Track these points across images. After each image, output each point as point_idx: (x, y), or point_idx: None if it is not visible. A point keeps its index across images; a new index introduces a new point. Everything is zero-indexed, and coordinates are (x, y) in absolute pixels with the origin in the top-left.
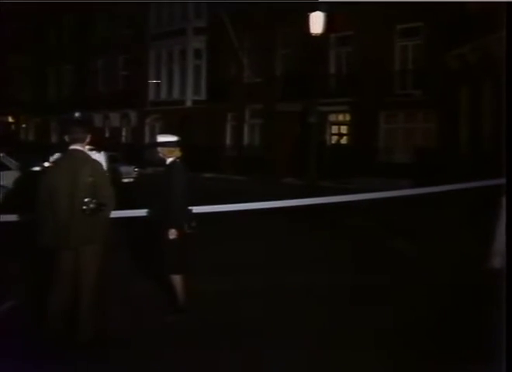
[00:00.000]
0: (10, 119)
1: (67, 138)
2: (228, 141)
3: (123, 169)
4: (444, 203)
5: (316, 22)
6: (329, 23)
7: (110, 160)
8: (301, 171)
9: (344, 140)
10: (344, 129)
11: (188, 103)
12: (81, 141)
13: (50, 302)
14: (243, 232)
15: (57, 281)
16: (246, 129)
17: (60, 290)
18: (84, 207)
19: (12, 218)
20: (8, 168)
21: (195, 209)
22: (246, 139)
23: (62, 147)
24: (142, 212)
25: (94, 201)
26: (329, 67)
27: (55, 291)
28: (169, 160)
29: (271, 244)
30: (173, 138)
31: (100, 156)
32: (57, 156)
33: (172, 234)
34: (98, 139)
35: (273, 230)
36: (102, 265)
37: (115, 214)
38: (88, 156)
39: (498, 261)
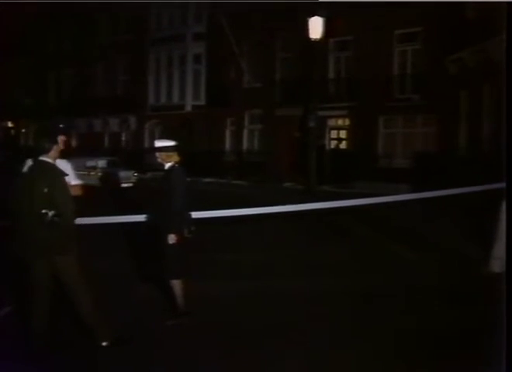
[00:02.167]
0: (10, 124)
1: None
2: (227, 146)
3: (123, 174)
4: (444, 208)
5: (315, 27)
6: (328, 28)
7: (110, 164)
8: (301, 176)
9: (343, 145)
10: (343, 134)
11: (188, 108)
12: (46, 152)
13: (31, 314)
14: (242, 237)
15: (34, 292)
16: (245, 133)
17: (39, 301)
18: (42, 219)
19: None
20: None
21: (195, 214)
22: (245, 144)
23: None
24: (141, 217)
25: (51, 212)
26: (328, 72)
27: (34, 303)
28: (168, 165)
29: (272, 250)
30: (171, 143)
31: (65, 165)
32: (27, 166)
33: (172, 239)
34: (67, 147)
35: (273, 235)
36: (82, 272)
37: (114, 219)
38: (50, 167)
39: (498, 265)
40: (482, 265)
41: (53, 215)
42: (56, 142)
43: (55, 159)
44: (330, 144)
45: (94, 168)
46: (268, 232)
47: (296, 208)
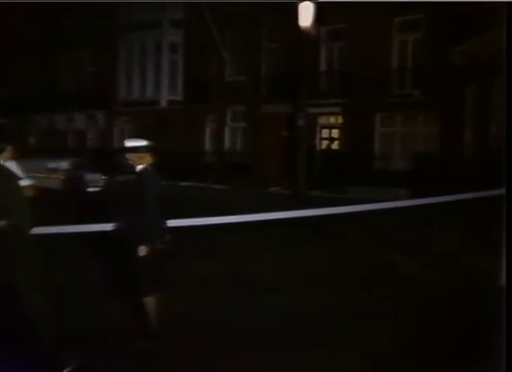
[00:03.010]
0: None
1: None
2: (207, 146)
3: (89, 177)
4: (447, 214)
5: (306, 14)
6: (319, 15)
7: (75, 166)
8: (289, 180)
9: (335, 145)
10: (335, 133)
11: (163, 103)
12: None
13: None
14: (224, 247)
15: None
16: (227, 132)
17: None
18: None
19: None
20: None
21: (170, 223)
22: (227, 144)
23: None
24: (109, 226)
25: (2, 222)
26: (319, 65)
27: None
28: (140, 168)
29: (256, 261)
30: (143, 142)
31: (12, 165)
32: None
33: (143, 251)
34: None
35: (257, 246)
36: (40, 287)
37: (78, 228)
38: (1, 170)
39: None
40: (492, 277)
41: (5, 225)
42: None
43: (7, 160)
44: (321, 144)
45: (56, 170)
46: (252, 243)
47: (284, 216)
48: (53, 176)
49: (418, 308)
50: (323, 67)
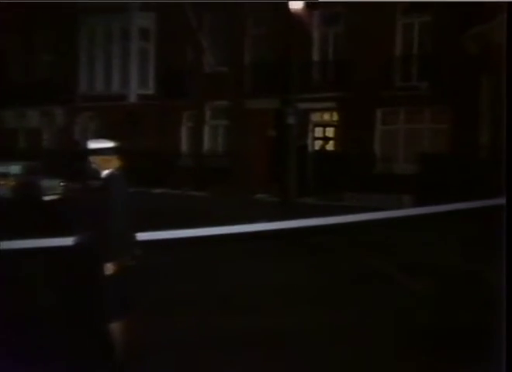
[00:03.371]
0: None
1: None
2: (184, 147)
3: (45, 183)
4: (458, 223)
5: None
6: None
7: (27, 171)
8: (277, 185)
9: (330, 146)
10: (330, 132)
11: (132, 98)
12: None
13: None
14: (202, 264)
15: None
16: (207, 131)
17: None
18: None
19: None
20: None
21: (141, 236)
22: (207, 145)
23: None
24: (69, 240)
25: None
26: (312, 53)
27: None
28: (105, 173)
29: (239, 280)
30: (109, 143)
31: None
32: None
33: (108, 269)
34: None
35: (240, 261)
36: None
37: (34, 243)
38: None
39: None
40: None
41: None
42: None
43: None
44: (313, 145)
45: (5, 176)
46: (235, 258)
47: (271, 227)
48: (2, 182)
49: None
50: (316, 55)
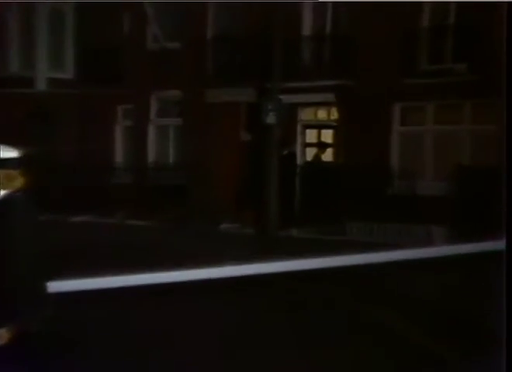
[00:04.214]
0: None
1: None
2: (119, 156)
3: None
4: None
5: None
6: None
7: None
8: (252, 211)
9: (328, 155)
10: (327, 136)
11: (41, 84)
12: None
13: None
14: (140, 323)
15: None
16: (152, 134)
17: None
18: None
19: None
20: None
21: (55, 287)
22: (152, 153)
23: None
24: None
25: None
26: (301, 25)
27: None
28: (3, 194)
29: (188, 347)
30: (10, 152)
31: None
32: None
33: (3, 337)
34: None
35: (194, 322)
36: None
37: None
38: None
39: None
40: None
41: None
42: None
43: None
44: (304, 154)
45: None
46: (186, 315)
47: (242, 271)
48: None
49: None
50: (307, 29)
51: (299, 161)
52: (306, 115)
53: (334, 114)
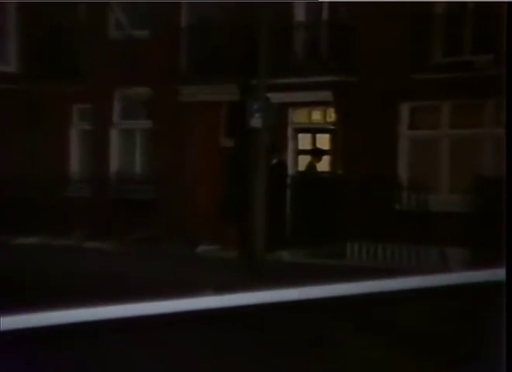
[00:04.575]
0: None
1: None
2: (75, 165)
3: None
4: None
5: None
6: None
7: None
8: (234, 231)
9: (324, 164)
10: (324, 141)
11: None
12: None
13: None
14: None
15: None
16: (116, 139)
17: None
18: None
19: None
20: None
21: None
22: (116, 162)
23: None
24: None
25: None
26: (292, 12)
27: None
28: None
29: None
30: None
31: None
32: None
33: None
34: None
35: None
36: None
37: None
38: None
39: None
40: None
41: None
42: None
43: None
44: (296, 163)
45: None
46: (148, 356)
47: (223, 302)
48: None
49: None
50: (299, 15)
51: (290, 171)
52: (298, 116)
53: (331, 115)
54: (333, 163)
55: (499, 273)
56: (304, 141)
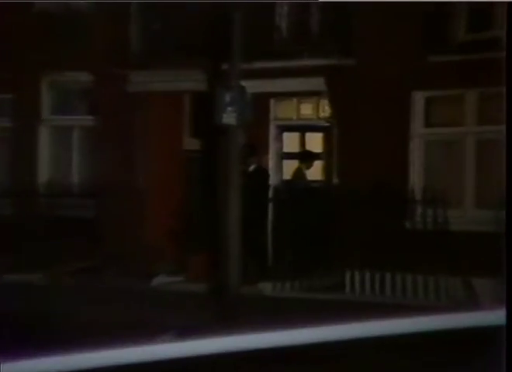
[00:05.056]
0: None
1: None
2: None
3: None
4: None
5: None
6: None
7: None
8: (203, 258)
9: (316, 172)
10: (316, 142)
11: None
12: None
13: None
14: None
15: None
16: (45, 138)
17: None
18: None
19: None
20: None
21: None
22: (46, 168)
23: None
24: None
25: None
26: None
27: None
28: None
29: None
30: None
31: None
32: None
33: None
34: None
35: None
36: None
37: None
38: None
39: None
40: None
41: None
42: None
43: None
44: (280, 169)
45: None
46: None
47: (188, 351)
48: None
49: None
50: None
51: (272, 180)
52: (282, 111)
53: (325, 109)
54: (326, 170)
55: None
56: (290, 142)
